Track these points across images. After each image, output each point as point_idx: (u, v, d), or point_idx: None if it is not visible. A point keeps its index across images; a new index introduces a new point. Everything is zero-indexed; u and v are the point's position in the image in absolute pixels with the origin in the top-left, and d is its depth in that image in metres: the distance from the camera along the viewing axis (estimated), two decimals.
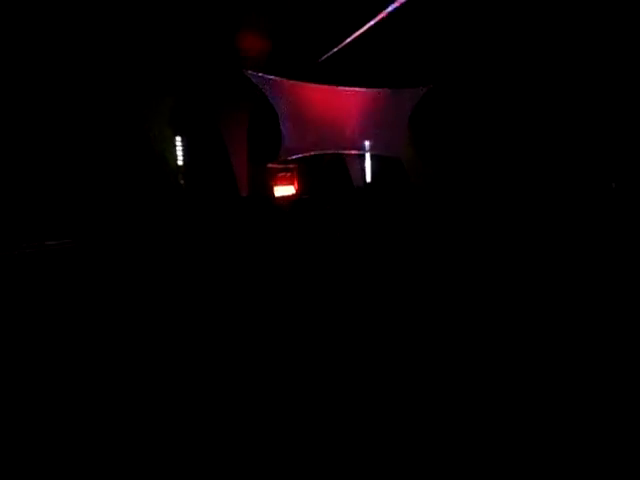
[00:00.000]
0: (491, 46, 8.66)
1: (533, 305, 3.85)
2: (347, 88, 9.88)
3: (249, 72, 9.03)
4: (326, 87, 9.72)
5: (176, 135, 8.95)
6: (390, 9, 7.98)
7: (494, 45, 8.62)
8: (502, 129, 9.03)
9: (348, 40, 8.51)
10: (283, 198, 10.32)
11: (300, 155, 10.14)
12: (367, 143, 10.42)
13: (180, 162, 8.98)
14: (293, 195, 10.61)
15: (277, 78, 9.38)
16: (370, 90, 9.98)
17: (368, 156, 10.61)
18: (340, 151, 10.44)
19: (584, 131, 8.35)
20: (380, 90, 9.99)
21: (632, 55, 7.64)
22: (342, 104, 10.00)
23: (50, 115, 6.95)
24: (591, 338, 3.15)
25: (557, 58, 8.31)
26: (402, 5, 7.83)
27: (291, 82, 9.53)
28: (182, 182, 9.06)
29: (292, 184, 10.80)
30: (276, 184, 10.56)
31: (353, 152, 10.55)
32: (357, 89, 9.94)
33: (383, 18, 8.12)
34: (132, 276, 5.18)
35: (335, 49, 8.96)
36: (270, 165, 10.24)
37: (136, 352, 3.30)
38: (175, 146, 8.97)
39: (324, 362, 3.08)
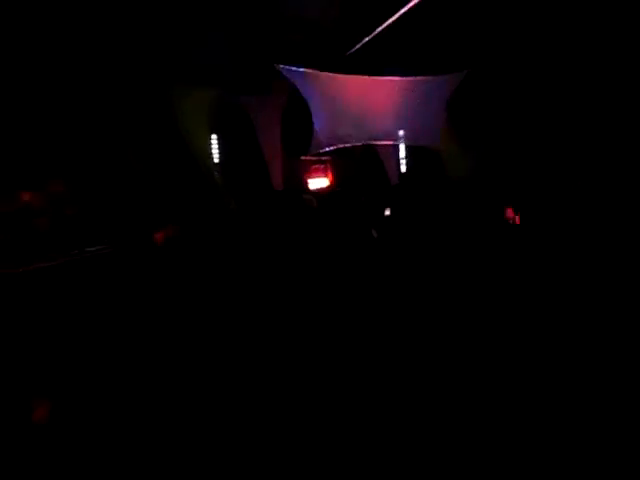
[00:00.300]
0: (534, 22, 8.21)
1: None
2: (380, 77, 9.69)
3: (280, 66, 9.01)
4: (359, 77, 9.57)
5: (212, 133, 9.10)
6: None
7: (538, 21, 8.17)
8: (549, 116, 8.61)
9: (380, 28, 8.32)
10: (317, 190, 10.35)
11: (333, 147, 10.09)
12: (402, 133, 10.23)
13: (216, 160, 9.14)
14: (327, 187, 10.61)
15: (309, 70, 9.30)
16: (404, 78, 9.74)
17: (403, 147, 10.43)
18: (374, 142, 10.31)
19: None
20: (415, 78, 9.74)
21: None
22: (375, 94, 9.82)
23: (86, 119, 7.03)
24: (590, 338, 3.09)
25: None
26: None
27: (323, 74, 9.43)
28: (218, 179, 9.22)
29: (326, 176, 10.78)
30: (310, 176, 10.59)
31: (387, 143, 10.39)
32: (391, 78, 9.73)
33: (415, 4, 7.87)
34: (173, 278, 5.33)
35: (367, 38, 8.79)
36: (303, 158, 10.26)
37: (180, 354, 3.43)
38: (211, 144, 9.13)
39: (344, 355, 3.12)
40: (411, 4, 7.86)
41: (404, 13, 8.08)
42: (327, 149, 10.10)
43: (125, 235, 6.52)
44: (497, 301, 4.08)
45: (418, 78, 9.74)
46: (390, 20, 8.27)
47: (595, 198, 6.86)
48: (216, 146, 9.19)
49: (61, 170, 6.56)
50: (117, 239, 6.31)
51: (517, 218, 6.60)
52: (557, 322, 3.50)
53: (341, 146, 10.10)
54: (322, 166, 10.73)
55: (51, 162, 6.43)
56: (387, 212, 9.21)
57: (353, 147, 10.31)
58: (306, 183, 10.46)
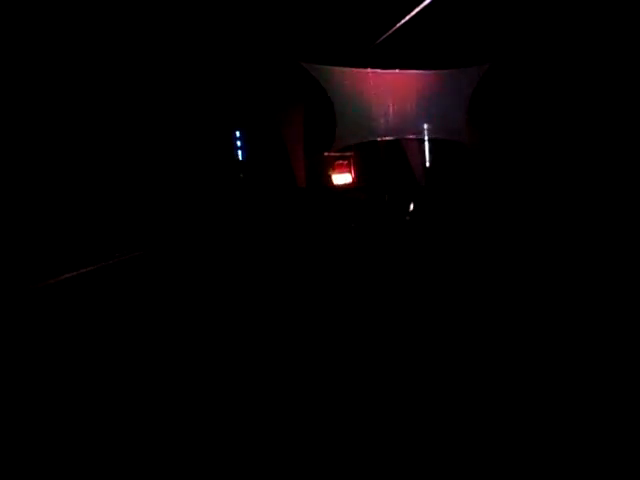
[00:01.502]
0: (559, 13, 7.92)
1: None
2: (404, 71, 9.56)
3: (304, 63, 9.01)
4: (382, 72, 9.48)
5: (235, 130, 9.21)
6: None
7: (562, 12, 7.88)
8: (575, 108, 8.30)
9: (402, 22, 8.19)
10: (341, 187, 10.32)
11: (357, 142, 10.03)
12: (426, 127, 10.07)
13: (240, 157, 9.25)
14: (350, 183, 10.56)
15: (331, 67, 9.28)
16: (428, 72, 9.58)
17: (427, 142, 10.26)
18: (398, 137, 10.18)
19: None
20: (438, 71, 9.56)
21: None
22: (398, 88, 9.70)
23: (111, 119, 7.03)
24: (588, 338, 3.04)
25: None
26: None
27: (347, 69, 9.39)
28: (242, 176, 9.33)
29: (349, 172, 10.73)
30: (333, 172, 10.56)
31: (412, 137, 10.24)
32: (414, 71, 9.58)
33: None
34: (202, 279, 5.43)
35: (389, 32, 8.68)
36: (327, 154, 10.24)
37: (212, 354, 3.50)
38: (235, 141, 9.25)
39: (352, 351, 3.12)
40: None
41: (427, 5, 7.94)
42: (350, 145, 10.05)
43: (156, 238, 6.56)
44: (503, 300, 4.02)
45: (441, 71, 9.56)
46: (413, 12, 8.14)
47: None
48: (240, 144, 9.29)
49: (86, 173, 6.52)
50: (148, 243, 6.34)
51: None
52: (557, 319, 3.45)
53: (365, 141, 10.03)
54: (345, 162, 10.68)
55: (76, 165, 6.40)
56: (411, 207, 9.10)
57: (377, 143, 10.22)
58: (330, 179, 10.44)
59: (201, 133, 8.57)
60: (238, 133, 9.21)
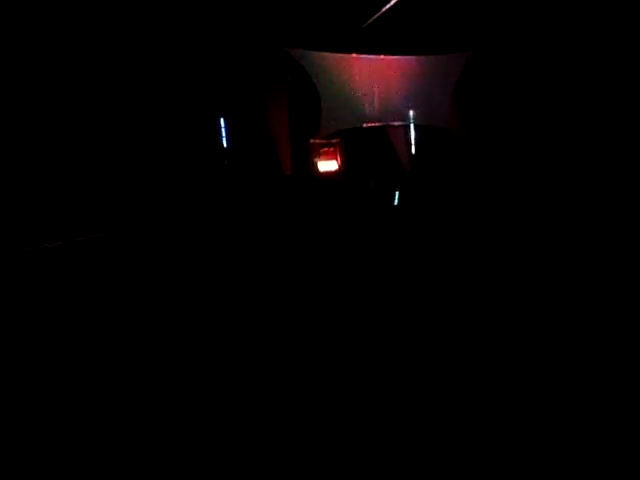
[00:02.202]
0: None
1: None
2: (389, 56, 9.50)
3: (288, 48, 8.88)
4: (367, 57, 9.40)
5: (219, 117, 9.06)
6: None
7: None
8: (558, 95, 8.36)
9: (387, 6, 8.11)
10: (326, 173, 10.28)
11: (342, 129, 9.97)
12: (412, 113, 10.05)
13: (224, 144, 9.12)
14: (336, 170, 10.52)
15: (316, 52, 9.16)
16: (413, 57, 9.53)
17: (413, 128, 10.26)
18: (384, 123, 10.15)
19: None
20: (423, 57, 9.52)
21: None
22: (384, 73, 9.65)
23: (88, 99, 6.87)
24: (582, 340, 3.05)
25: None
26: None
27: (329, 54, 9.29)
28: (226, 163, 9.22)
29: (335, 159, 10.68)
30: (319, 159, 10.50)
31: (397, 124, 10.22)
32: (399, 57, 9.53)
33: None
34: (172, 262, 5.37)
35: (375, 16, 8.58)
36: (312, 140, 10.16)
37: (174, 344, 3.48)
38: (219, 128, 9.11)
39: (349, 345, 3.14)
40: None
41: None
42: (336, 131, 9.99)
43: (123, 222, 6.45)
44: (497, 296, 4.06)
45: (426, 57, 9.52)
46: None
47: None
48: (224, 131, 9.16)
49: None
50: (114, 226, 6.25)
51: None
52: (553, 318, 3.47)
53: (350, 128, 9.98)
54: (331, 149, 10.61)
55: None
56: (397, 194, 9.14)
57: (363, 130, 10.17)
58: (316, 166, 10.39)
59: (185, 120, 8.42)
60: (222, 120, 9.06)
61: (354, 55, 9.32)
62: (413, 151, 10.41)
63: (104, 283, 4.69)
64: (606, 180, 6.57)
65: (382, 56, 9.44)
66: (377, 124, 10.09)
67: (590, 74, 7.83)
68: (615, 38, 7.42)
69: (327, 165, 10.50)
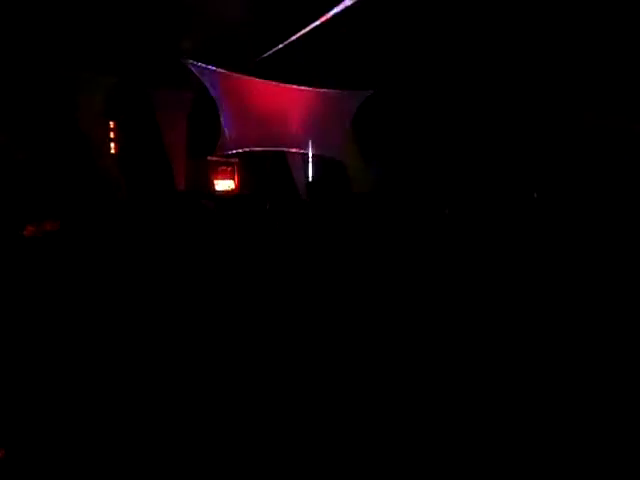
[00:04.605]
0: (436, 50, 8.85)
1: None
2: (289, 85, 9.79)
3: (189, 61, 8.70)
4: (268, 82, 9.58)
5: (110, 119, 8.47)
6: (336, 11, 7.99)
7: (439, 49, 8.82)
8: (446, 135, 9.31)
9: (293, 38, 8.43)
10: (223, 193, 10.10)
11: (241, 150, 9.95)
12: (310, 142, 10.40)
13: (112, 150, 8.53)
14: (233, 190, 10.41)
15: (218, 69, 9.11)
16: (313, 89, 9.95)
17: (310, 157, 10.61)
18: (281, 149, 10.35)
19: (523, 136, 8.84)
20: (323, 90, 9.99)
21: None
22: (284, 101, 9.90)
23: None
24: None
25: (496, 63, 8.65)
26: (348, 8, 7.86)
27: (233, 74, 9.31)
28: (113, 170, 8.59)
29: (232, 179, 10.58)
30: (216, 178, 10.31)
31: (294, 150, 10.49)
32: (299, 87, 9.88)
33: (329, 19, 8.12)
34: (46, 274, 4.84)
35: (280, 45, 8.85)
36: (210, 158, 9.96)
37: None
38: (109, 132, 8.50)
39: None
40: (323, 19, 8.10)
41: (317, 26, 8.29)
42: (234, 151, 9.93)
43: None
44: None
45: (326, 90, 10.01)
46: (303, 31, 8.42)
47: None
48: (115, 135, 8.58)
49: None
50: None
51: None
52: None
53: (248, 150, 10.00)
54: (229, 168, 10.51)
55: None
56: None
57: (263, 152, 10.25)
58: (212, 184, 10.17)
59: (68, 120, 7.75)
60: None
61: (256, 78, 9.45)
62: (310, 179, 10.73)
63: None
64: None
65: (283, 84, 9.69)
66: (275, 149, 10.26)
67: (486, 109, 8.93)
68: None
69: (224, 184, 10.35)
